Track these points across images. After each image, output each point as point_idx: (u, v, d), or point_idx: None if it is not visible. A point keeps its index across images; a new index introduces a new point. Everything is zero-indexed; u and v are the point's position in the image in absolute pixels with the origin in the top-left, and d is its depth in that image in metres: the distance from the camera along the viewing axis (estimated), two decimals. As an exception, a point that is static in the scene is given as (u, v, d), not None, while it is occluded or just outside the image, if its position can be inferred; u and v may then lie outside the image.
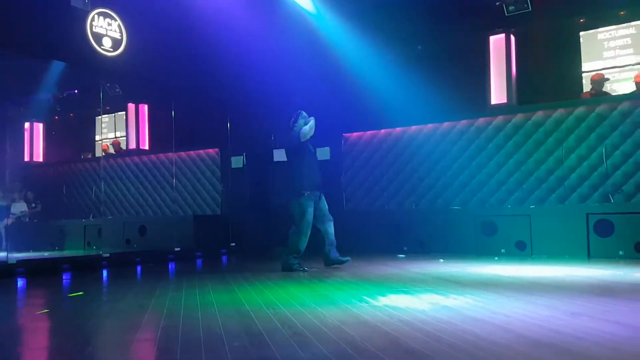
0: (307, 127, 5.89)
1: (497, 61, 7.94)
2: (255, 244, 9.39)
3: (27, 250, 9.67)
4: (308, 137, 5.89)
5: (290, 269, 5.78)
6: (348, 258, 6.02)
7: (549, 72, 8.06)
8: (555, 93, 7.86)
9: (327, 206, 6.05)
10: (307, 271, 5.74)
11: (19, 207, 11.31)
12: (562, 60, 8.13)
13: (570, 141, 7.28)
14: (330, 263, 5.99)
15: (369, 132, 9.16)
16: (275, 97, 8.83)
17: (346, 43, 8.75)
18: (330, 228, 5.99)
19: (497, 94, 7.92)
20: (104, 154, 11.92)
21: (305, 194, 5.81)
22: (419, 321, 2.93)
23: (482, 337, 2.54)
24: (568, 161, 7.28)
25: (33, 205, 11.63)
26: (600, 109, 7.11)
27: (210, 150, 10.29)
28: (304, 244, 5.82)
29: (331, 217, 6.04)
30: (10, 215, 11.08)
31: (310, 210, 5.82)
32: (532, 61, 8.08)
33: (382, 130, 9.01)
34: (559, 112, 7.40)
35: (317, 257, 6.27)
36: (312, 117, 5.99)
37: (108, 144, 12.38)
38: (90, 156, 12.26)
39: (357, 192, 9.09)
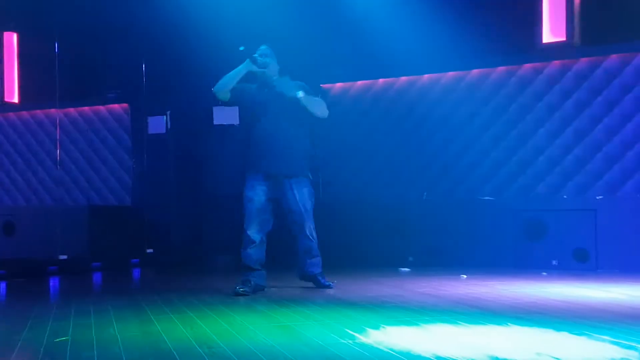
0: (226, 76, 5.78)
1: (553, -22, 7.98)
2: (184, 249, 9.35)
3: None
4: (226, 88, 5.77)
5: (237, 291, 5.58)
6: (330, 283, 6.01)
7: (630, -4, 8.14)
8: (638, 28, 7.94)
9: (300, 204, 5.81)
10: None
11: None
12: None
13: (658, 101, 7.41)
14: (304, 277, 6.04)
15: (359, 83, 9.16)
16: (221, 25, 8.68)
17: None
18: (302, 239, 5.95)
19: (552, 27, 7.96)
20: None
21: (248, 177, 5.84)
22: (429, 366, 2.96)
23: (522, 389, 2.58)
24: (654, 131, 7.42)
25: None
26: None
27: (116, 106, 10.19)
28: (249, 249, 5.69)
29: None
30: None
31: (251, 195, 5.74)
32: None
33: (380, 80, 9.03)
34: (642, 58, 7.53)
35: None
36: (260, 53, 5.77)
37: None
38: None
39: (340, 174, 9.09)
